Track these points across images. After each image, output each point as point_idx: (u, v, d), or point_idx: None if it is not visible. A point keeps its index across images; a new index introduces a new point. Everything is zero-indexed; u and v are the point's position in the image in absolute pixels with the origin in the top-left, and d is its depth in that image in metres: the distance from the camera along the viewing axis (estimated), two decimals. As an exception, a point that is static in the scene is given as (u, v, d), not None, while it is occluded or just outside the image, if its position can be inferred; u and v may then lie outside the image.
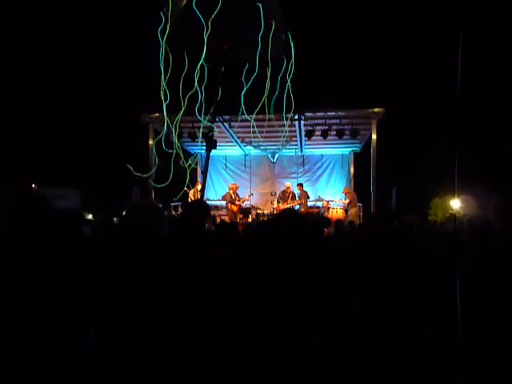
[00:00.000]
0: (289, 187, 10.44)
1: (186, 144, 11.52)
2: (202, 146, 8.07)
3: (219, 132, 10.64)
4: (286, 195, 10.25)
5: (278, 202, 10.28)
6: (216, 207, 11.14)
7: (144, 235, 1.91)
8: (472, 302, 2.02)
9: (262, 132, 9.92)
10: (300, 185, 10.71)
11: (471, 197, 11.20)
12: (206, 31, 5.87)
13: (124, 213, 2.10)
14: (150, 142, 10.17)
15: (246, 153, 12.87)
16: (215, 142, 7.27)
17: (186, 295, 1.94)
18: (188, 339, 1.91)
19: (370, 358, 2.09)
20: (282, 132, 9.13)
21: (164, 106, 6.67)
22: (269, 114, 7.25)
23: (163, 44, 6.21)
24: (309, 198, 10.62)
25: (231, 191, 10.33)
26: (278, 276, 1.87)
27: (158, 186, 8.09)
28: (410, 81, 14.82)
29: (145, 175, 8.30)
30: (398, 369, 2.29)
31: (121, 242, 2.02)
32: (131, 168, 7.30)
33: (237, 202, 10.22)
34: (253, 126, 9.78)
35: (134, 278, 1.91)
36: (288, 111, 7.83)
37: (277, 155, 12.82)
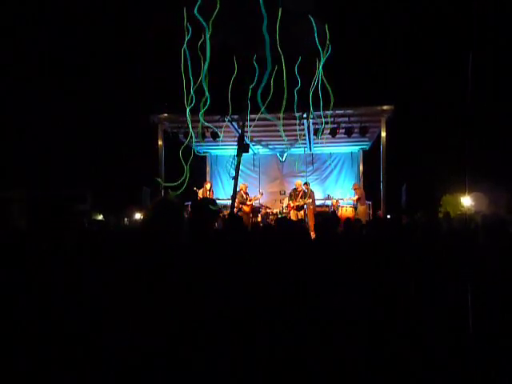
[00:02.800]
0: (300, 185, 10.40)
1: (195, 144, 11.54)
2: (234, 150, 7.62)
3: (227, 132, 10.65)
4: (296, 193, 10.23)
5: (290, 199, 10.27)
6: (225, 207, 11.17)
7: (169, 234, 1.90)
8: (486, 301, 2.01)
9: (271, 131, 9.94)
10: (306, 183, 10.67)
11: (482, 194, 11.06)
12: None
13: (148, 210, 2.07)
14: (160, 142, 10.21)
15: (255, 152, 12.87)
16: (248, 145, 7.00)
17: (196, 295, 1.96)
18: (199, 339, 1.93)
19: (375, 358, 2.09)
20: (291, 131, 9.11)
21: (188, 109, 6.15)
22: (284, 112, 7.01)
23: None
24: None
25: (242, 191, 10.30)
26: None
27: (167, 184, 8.00)
28: (419, 77, 14.70)
29: (159, 180, 8.26)
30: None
31: (144, 240, 2.01)
32: (160, 181, 7.24)
33: (248, 202, 10.22)
34: (263, 126, 9.79)
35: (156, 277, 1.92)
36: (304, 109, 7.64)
37: (285, 154, 12.79)
